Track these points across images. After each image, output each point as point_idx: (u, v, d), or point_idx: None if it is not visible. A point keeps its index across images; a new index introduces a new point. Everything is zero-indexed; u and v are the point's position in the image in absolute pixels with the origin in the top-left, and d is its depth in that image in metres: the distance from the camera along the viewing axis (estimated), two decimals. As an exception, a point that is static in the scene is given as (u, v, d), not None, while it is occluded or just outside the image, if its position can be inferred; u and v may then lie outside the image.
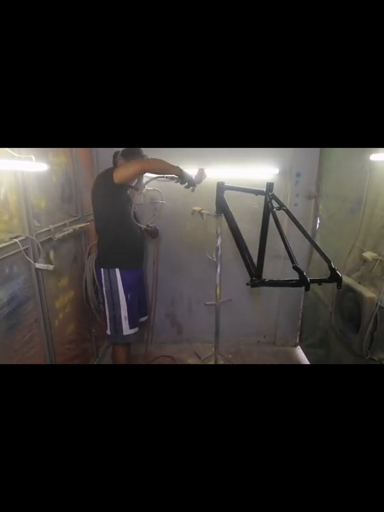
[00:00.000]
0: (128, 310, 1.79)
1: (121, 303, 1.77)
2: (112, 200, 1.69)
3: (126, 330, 1.80)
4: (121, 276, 1.76)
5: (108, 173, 1.64)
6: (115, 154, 1.82)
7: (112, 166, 2.27)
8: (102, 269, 1.78)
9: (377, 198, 1.53)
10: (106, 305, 1.80)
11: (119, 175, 1.59)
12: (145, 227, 2.03)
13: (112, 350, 1.95)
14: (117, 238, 1.75)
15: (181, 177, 1.68)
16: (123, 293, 1.76)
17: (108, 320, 1.81)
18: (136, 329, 1.85)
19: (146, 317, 2.12)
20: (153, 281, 2.35)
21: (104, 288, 1.79)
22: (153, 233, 2.12)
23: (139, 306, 1.93)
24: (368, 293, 1.48)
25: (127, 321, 1.79)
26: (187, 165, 2.24)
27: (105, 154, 2.26)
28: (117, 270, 1.75)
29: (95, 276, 1.90)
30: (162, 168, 1.67)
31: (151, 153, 2.20)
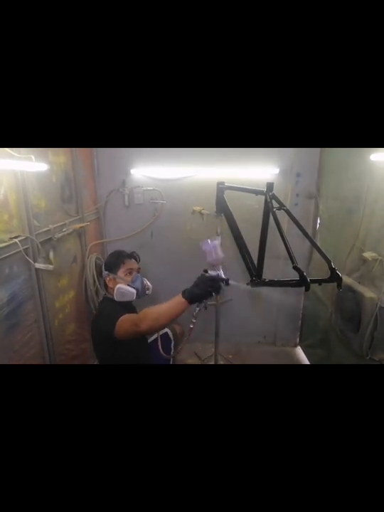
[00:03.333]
0: None
1: None
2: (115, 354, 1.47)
3: None
4: None
5: (104, 325, 1.40)
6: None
7: (111, 166, 2.29)
8: None
9: (377, 197, 1.53)
10: None
11: (121, 334, 1.34)
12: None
13: None
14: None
15: (195, 296, 1.23)
16: None
17: None
18: None
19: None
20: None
21: None
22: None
23: None
24: (368, 293, 1.48)
25: None
26: (187, 165, 2.26)
27: (105, 154, 2.27)
28: None
29: None
30: (167, 319, 1.25)
31: (151, 152, 2.23)
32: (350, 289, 1.60)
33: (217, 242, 1.32)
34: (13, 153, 1.22)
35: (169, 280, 2.48)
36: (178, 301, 1.23)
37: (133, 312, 1.59)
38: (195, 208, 2.11)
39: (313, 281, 1.24)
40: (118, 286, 1.52)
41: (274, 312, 2.58)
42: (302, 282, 1.21)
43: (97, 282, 2.04)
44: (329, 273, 1.29)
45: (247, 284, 1.44)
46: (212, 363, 2.16)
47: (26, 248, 1.37)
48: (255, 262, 1.45)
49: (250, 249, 1.51)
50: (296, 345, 2.64)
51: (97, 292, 2.05)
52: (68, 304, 1.86)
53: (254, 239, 1.46)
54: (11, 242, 1.26)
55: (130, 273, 1.57)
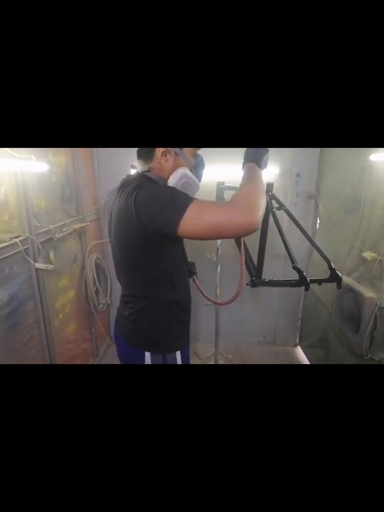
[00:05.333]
0: None
1: None
2: (164, 252, 0.93)
3: None
4: (182, 359, 1.09)
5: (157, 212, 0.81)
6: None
7: (112, 166, 2.28)
8: (147, 354, 1.03)
9: (376, 197, 1.53)
10: None
11: (188, 229, 0.79)
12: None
13: None
14: (171, 308, 1.06)
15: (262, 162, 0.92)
16: None
17: None
18: None
19: None
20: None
21: None
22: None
23: None
24: (367, 293, 1.48)
25: None
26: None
27: (105, 154, 2.27)
28: (178, 354, 1.08)
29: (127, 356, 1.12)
30: (261, 193, 0.83)
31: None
32: (349, 288, 1.60)
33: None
34: (13, 153, 1.23)
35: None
36: (256, 176, 0.88)
37: None
38: (195, 208, 2.11)
39: (312, 281, 1.25)
40: (182, 170, 0.94)
41: (273, 312, 2.58)
42: (302, 282, 1.22)
43: (97, 282, 2.04)
44: (329, 273, 1.30)
45: (247, 284, 1.44)
46: (212, 362, 2.16)
47: (26, 248, 1.37)
48: (255, 261, 1.45)
49: (250, 249, 1.51)
50: (295, 345, 2.65)
51: (97, 292, 2.05)
52: (68, 304, 1.87)
53: (253, 239, 1.46)
54: (12, 242, 1.27)
55: (195, 155, 1.00)
